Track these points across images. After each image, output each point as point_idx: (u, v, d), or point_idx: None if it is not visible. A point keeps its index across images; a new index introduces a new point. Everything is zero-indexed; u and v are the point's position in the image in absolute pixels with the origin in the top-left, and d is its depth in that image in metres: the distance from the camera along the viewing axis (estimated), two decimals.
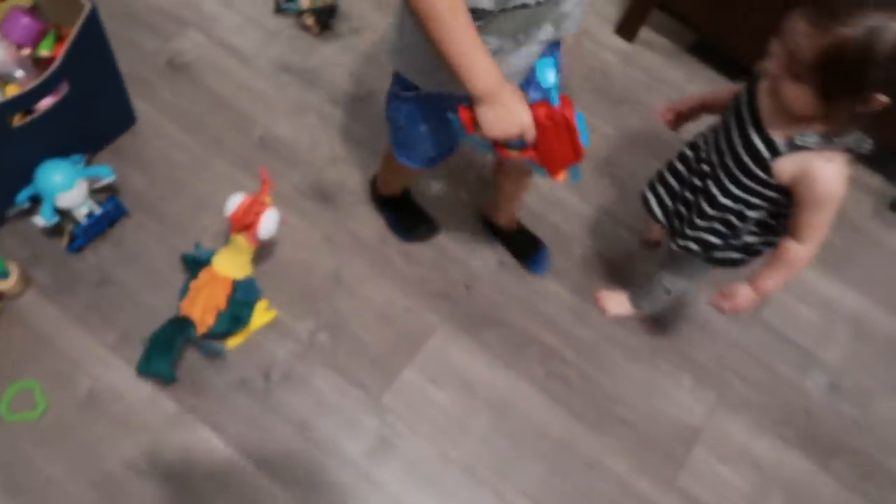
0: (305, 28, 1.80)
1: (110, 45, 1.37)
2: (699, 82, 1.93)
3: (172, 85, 1.67)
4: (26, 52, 1.42)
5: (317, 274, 1.49)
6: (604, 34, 1.97)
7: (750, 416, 1.51)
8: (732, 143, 1.06)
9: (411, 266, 1.54)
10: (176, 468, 1.28)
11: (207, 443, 1.30)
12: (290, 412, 1.35)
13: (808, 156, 0.97)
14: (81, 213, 1.38)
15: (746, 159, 1.03)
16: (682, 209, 1.21)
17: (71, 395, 1.31)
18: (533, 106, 0.92)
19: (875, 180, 1.87)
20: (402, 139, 1.23)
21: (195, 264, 1.35)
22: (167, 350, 1.27)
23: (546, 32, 0.98)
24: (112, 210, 1.43)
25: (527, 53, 0.99)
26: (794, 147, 0.97)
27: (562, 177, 0.98)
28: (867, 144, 0.97)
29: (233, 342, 1.38)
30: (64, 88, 1.30)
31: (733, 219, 1.13)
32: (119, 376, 1.33)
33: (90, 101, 1.38)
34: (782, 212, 1.08)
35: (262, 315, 1.40)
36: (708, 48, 1.96)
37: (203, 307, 1.29)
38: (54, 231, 1.41)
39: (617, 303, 1.55)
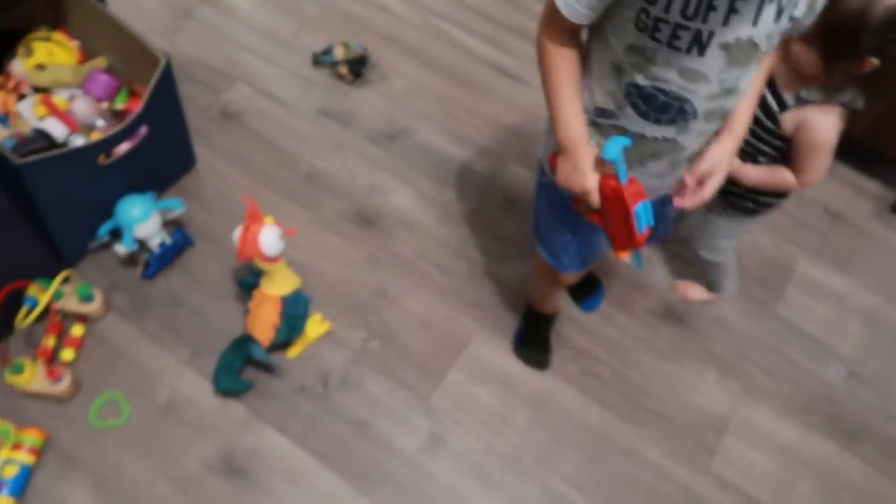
0: (340, 77, 2.00)
1: (179, 95, 1.56)
2: None
3: (225, 131, 1.86)
4: (105, 105, 1.62)
5: (364, 289, 1.64)
6: None
7: (775, 405, 1.60)
8: None
9: (448, 279, 1.68)
10: (247, 466, 1.40)
11: (274, 442, 1.42)
12: (347, 413, 1.47)
13: (809, 108, 1.13)
14: (155, 242, 1.55)
15: (759, 114, 1.18)
16: None
17: (151, 403, 1.44)
18: (605, 176, 0.94)
19: (873, 185, 2.00)
20: (539, 227, 1.28)
21: (248, 287, 1.50)
22: (230, 370, 1.41)
23: (660, 169, 1.02)
24: (180, 240, 1.60)
25: (644, 174, 1.02)
26: (799, 101, 1.13)
27: (624, 256, 0.98)
28: (860, 101, 1.11)
29: (292, 352, 1.52)
30: (141, 133, 1.49)
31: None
32: (193, 386, 1.47)
33: (161, 145, 1.56)
34: (788, 159, 1.23)
35: (317, 327, 1.54)
36: None
37: (262, 325, 1.42)
38: (130, 260, 1.58)
39: (696, 291, 1.69)
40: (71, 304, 1.47)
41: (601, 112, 0.99)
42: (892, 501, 1.52)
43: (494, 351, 1.59)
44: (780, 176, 1.24)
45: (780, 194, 1.32)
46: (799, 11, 0.87)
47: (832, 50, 1.03)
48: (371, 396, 1.50)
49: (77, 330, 1.48)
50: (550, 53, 0.96)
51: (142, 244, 1.55)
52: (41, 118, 1.55)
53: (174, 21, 2.06)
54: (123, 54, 1.61)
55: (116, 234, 1.54)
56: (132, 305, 1.55)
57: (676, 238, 1.69)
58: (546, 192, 1.19)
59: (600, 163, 0.95)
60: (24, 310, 1.40)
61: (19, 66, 1.59)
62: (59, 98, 1.58)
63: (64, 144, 1.50)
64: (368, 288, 1.64)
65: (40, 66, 1.58)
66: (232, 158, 1.81)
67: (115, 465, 1.37)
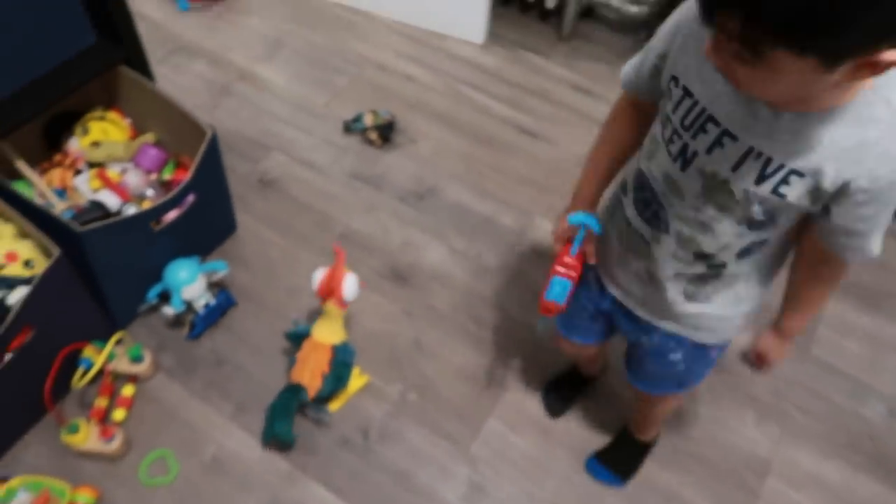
0: (370, 142, 2.10)
1: (223, 164, 1.67)
2: None
3: (264, 197, 1.96)
4: (153, 176, 1.73)
5: (401, 342, 1.69)
6: None
7: (816, 445, 1.60)
8: None
9: (482, 330, 1.72)
10: None
11: (319, 495, 1.45)
12: (389, 465, 1.50)
13: None
14: (200, 304, 1.62)
15: None
16: None
17: (198, 460, 1.48)
18: (567, 241, 1.06)
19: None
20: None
21: (297, 338, 1.56)
22: (286, 415, 1.44)
23: (638, 270, 1.05)
24: (224, 301, 1.67)
25: (627, 271, 1.08)
26: None
27: (541, 309, 1.07)
28: None
29: (334, 405, 1.55)
30: (188, 201, 1.58)
31: None
32: (239, 442, 1.51)
33: (206, 211, 1.66)
34: None
35: (357, 380, 1.59)
36: None
37: (311, 373, 1.48)
38: (177, 321, 1.65)
39: None
40: (122, 364, 1.53)
41: (622, 184, 1.06)
42: None
43: (531, 399, 1.62)
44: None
45: None
46: (792, 195, 0.80)
47: None
48: (411, 447, 1.53)
49: (128, 390, 1.54)
50: (609, 113, 1.05)
51: (188, 305, 1.62)
52: (96, 191, 1.66)
53: (213, 97, 2.20)
54: (171, 128, 1.73)
55: (164, 297, 1.62)
56: (179, 365, 1.61)
57: None
58: None
59: (574, 229, 1.05)
60: (79, 371, 1.47)
61: (76, 145, 1.71)
62: (113, 171, 1.69)
63: (118, 213, 1.60)
64: (405, 341, 1.69)
65: (95, 144, 1.70)
66: (271, 222, 1.90)
67: None
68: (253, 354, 1.64)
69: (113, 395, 1.54)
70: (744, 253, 0.94)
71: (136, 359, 1.54)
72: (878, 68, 0.63)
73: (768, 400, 1.66)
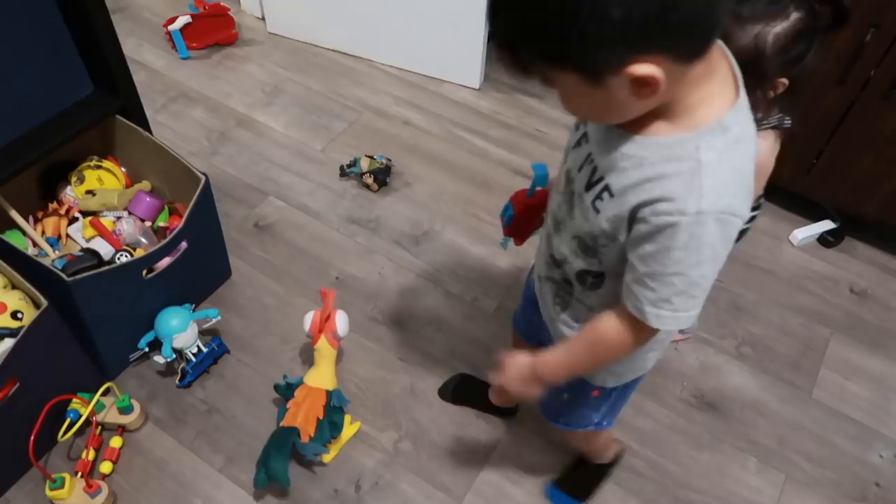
0: (366, 186, 2.11)
1: (217, 211, 1.67)
2: None
3: (260, 243, 1.96)
4: (148, 224, 1.73)
5: (394, 389, 1.66)
6: None
7: (823, 493, 1.55)
8: None
9: (477, 375, 1.69)
10: None
11: None
12: None
13: None
14: (192, 352, 1.61)
15: None
16: None
17: None
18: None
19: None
20: None
21: (287, 390, 1.53)
22: (281, 455, 1.39)
23: (545, 254, 1.01)
24: (216, 348, 1.65)
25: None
26: None
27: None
28: (788, 120, 1.17)
29: (327, 458, 1.52)
30: (181, 248, 1.58)
31: None
32: (228, 495, 1.47)
33: (200, 258, 1.65)
34: None
35: (349, 428, 1.55)
36: None
37: (304, 418, 1.45)
38: (167, 370, 1.63)
39: None
40: (111, 415, 1.51)
41: None
42: None
43: (527, 448, 1.58)
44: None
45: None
46: (603, 214, 0.79)
47: (746, 83, 1.10)
48: (405, 498, 1.49)
49: (115, 442, 1.51)
50: None
51: (179, 353, 1.60)
52: (89, 239, 1.66)
53: (212, 144, 2.22)
54: (166, 176, 1.74)
55: (154, 346, 1.60)
56: (169, 414, 1.59)
57: None
58: None
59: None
60: (66, 423, 1.44)
61: (71, 193, 1.72)
62: (107, 220, 1.70)
63: (111, 262, 1.60)
64: (399, 387, 1.66)
65: (90, 192, 1.71)
66: (266, 268, 1.89)
67: None
68: (245, 404, 1.62)
69: (100, 448, 1.51)
70: (582, 278, 0.91)
71: (125, 409, 1.52)
72: (646, 84, 0.64)
73: (771, 445, 1.61)
